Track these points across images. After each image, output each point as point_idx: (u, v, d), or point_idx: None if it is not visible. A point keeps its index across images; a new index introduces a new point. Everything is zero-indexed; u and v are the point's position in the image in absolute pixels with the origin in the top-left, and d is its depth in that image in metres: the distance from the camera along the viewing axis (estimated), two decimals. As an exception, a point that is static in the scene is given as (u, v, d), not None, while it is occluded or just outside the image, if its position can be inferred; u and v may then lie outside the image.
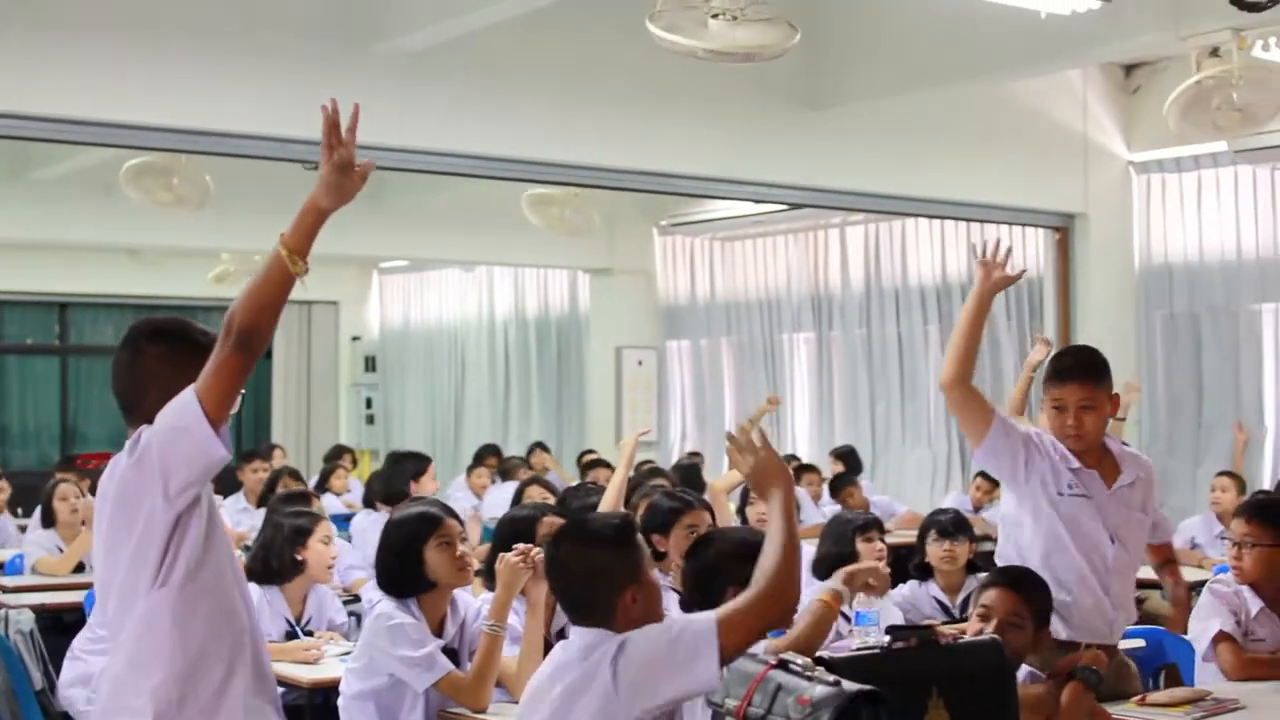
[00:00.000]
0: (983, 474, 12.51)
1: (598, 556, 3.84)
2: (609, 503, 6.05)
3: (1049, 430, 5.14)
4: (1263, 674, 5.38)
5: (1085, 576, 5.06)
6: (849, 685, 3.28)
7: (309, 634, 6.40)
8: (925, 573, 7.00)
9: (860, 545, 6.73)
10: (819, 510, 11.38)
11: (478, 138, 8.97)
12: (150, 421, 3.47)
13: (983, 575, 6.96)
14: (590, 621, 3.78)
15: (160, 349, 3.63)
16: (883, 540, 6.81)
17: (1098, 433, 5.13)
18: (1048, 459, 5.06)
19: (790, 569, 3.65)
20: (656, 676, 3.58)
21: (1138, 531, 5.23)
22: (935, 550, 6.92)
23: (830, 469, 12.88)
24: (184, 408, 3.36)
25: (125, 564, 3.49)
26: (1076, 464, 5.08)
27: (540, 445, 15.29)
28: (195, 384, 3.36)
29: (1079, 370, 5.14)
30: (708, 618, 3.61)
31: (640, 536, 3.97)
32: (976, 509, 11.82)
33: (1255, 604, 5.62)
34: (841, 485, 12.10)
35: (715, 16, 6.07)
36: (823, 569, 6.61)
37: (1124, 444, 5.40)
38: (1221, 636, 5.45)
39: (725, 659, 3.51)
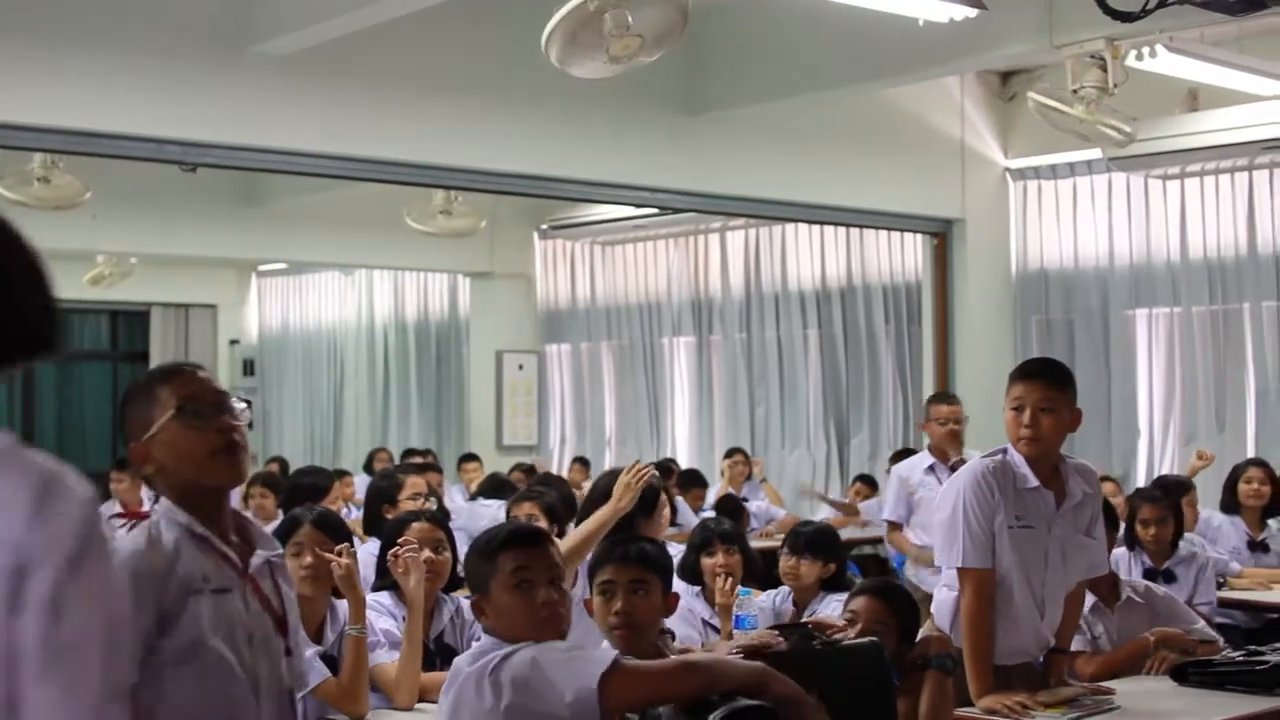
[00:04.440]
0: (862, 478, 12.61)
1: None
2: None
3: (1010, 437, 5.09)
4: (1118, 668, 5.50)
5: (1024, 606, 5.07)
6: (740, 700, 3.29)
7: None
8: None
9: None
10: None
11: (356, 140, 8.89)
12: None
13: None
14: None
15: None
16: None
17: (1055, 440, 5.06)
18: (1001, 499, 5.00)
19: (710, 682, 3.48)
20: (534, 681, 3.52)
21: (1078, 553, 5.18)
22: (783, 563, 6.63)
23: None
24: None
25: None
26: (1035, 483, 5.02)
27: (429, 451, 15.12)
28: None
29: (1043, 372, 5.13)
30: (610, 653, 3.55)
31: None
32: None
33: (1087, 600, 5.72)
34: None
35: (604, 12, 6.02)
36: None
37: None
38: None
39: (610, 696, 3.38)
